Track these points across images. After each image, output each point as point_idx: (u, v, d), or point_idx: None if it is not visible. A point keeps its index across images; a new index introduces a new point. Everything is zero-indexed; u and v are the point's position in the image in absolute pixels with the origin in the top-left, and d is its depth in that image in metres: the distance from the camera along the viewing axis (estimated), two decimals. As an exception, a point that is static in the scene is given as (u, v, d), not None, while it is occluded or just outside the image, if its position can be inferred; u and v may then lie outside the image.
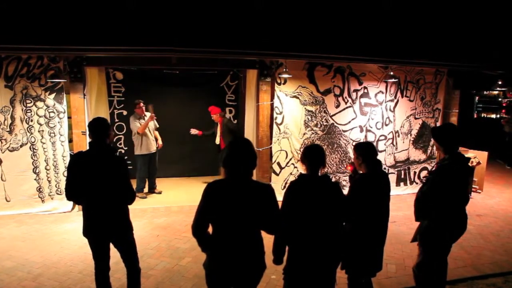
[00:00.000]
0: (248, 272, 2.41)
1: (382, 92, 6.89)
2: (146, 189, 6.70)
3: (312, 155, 2.67)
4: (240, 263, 2.36)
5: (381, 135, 7.00)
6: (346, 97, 6.69)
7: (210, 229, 2.45)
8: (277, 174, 6.51)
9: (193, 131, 6.98)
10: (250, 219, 2.34)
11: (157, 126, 6.71)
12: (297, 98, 6.42)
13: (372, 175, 2.96)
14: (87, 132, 5.58)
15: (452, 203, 3.04)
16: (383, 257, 3.09)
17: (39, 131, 5.65)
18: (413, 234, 3.31)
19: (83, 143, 5.72)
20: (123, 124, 7.43)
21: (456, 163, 3.02)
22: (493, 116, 16.23)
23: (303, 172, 2.75)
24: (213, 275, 2.43)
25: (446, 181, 3.00)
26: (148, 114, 6.42)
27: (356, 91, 6.74)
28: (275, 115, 6.36)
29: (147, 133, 6.37)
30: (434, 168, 3.14)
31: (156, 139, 6.65)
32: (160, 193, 6.80)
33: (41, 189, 5.76)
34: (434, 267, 3.18)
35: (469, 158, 3.24)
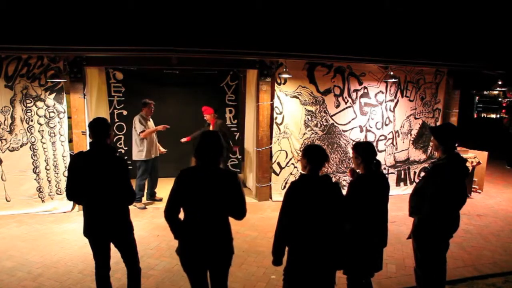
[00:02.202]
0: (217, 255, 2.57)
1: (382, 92, 6.89)
2: (144, 199, 6.31)
3: (313, 155, 2.67)
4: (208, 246, 2.53)
5: (381, 135, 7.00)
6: (346, 97, 6.69)
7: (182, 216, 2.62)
8: (277, 174, 6.51)
9: (183, 140, 6.75)
10: (217, 203, 2.52)
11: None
12: (297, 98, 6.43)
13: (371, 175, 2.96)
14: (87, 132, 5.58)
15: (443, 202, 3.04)
16: (382, 258, 3.09)
17: (39, 131, 5.65)
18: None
19: (83, 143, 5.72)
20: (123, 124, 7.44)
21: (452, 163, 3.04)
22: (493, 116, 16.25)
23: (303, 172, 2.74)
24: (185, 258, 2.59)
25: (439, 180, 3.01)
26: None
27: (356, 91, 6.74)
28: (275, 115, 6.36)
29: (152, 136, 6.09)
30: (430, 167, 3.15)
31: (159, 148, 6.33)
32: (160, 200, 6.49)
33: (41, 189, 5.76)
34: (430, 264, 3.18)
35: (466, 159, 3.25)
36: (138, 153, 5.99)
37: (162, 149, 6.47)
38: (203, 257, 2.55)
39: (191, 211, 2.55)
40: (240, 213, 2.57)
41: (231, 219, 2.65)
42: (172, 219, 2.58)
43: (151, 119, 6.23)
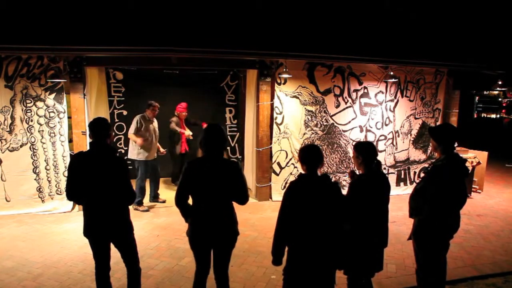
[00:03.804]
0: (222, 235, 2.84)
1: (382, 92, 6.89)
2: (147, 201, 6.24)
3: (309, 155, 2.67)
4: (215, 227, 2.80)
5: (381, 135, 7.00)
6: (346, 97, 6.69)
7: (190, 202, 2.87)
8: (277, 174, 6.51)
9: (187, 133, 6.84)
10: (221, 189, 2.77)
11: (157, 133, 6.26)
12: (297, 98, 6.43)
13: (371, 176, 2.96)
14: (87, 132, 5.57)
15: (444, 203, 3.04)
16: (383, 258, 3.09)
17: (39, 131, 5.65)
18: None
19: (83, 143, 5.72)
20: (123, 124, 7.43)
21: (451, 164, 3.03)
22: (493, 116, 16.27)
23: (303, 172, 2.75)
24: (194, 239, 2.86)
25: (438, 181, 3.01)
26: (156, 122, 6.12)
27: (356, 91, 6.74)
28: (275, 115, 6.36)
29: (152, 136, 5.97)
30: (429, 168, 3.15)
31: (158, 148, 6.21)
32: (164, 201, 6.34)
33: (41, 189, 5.76)
34: (431, 265, 3.18)
35: (466, 159, 3.24)
36: (133, 152, 5.89)
37: (162, 150, 6.34)
38: (210, 237, 2.82)
39: (198, 198, 2.79)
40: (243, 198, 2.83)
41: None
42: (182, 205, 2.82)
43: (155, 120, 6.13)
